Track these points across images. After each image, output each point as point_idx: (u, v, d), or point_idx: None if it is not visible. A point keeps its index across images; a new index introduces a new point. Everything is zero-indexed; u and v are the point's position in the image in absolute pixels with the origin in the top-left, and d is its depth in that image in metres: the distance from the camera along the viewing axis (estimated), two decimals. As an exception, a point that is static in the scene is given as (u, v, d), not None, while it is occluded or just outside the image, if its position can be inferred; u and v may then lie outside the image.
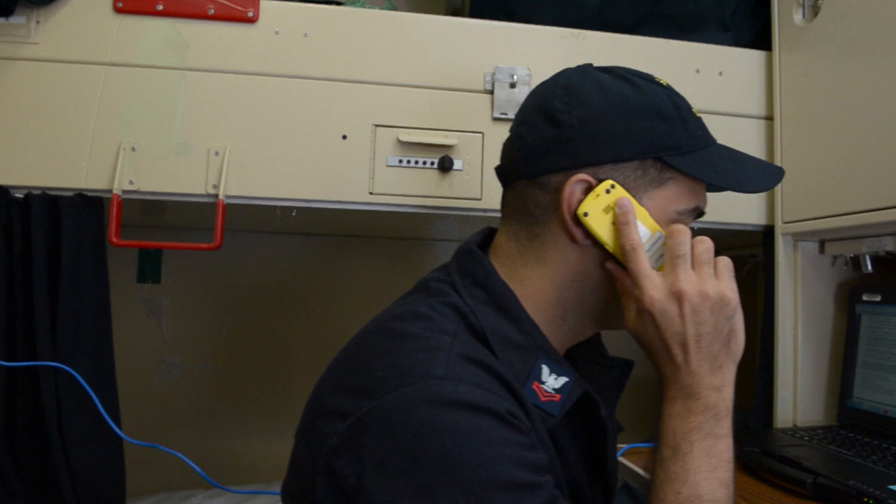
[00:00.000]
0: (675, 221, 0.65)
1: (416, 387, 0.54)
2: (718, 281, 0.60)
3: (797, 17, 1.09)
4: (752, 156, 0.70)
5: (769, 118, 1.14)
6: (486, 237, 0.73)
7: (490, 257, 0.69)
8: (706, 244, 0.61)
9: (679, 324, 0.59)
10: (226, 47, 1.01)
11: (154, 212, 1.25)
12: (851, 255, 1.06)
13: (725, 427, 0.58)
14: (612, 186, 0.62)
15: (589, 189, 0.63)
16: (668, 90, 0.67)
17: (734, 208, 1.14)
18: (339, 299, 1.56)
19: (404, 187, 1.04)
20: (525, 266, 0.67)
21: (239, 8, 1.01)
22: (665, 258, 0.62)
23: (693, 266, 0.60)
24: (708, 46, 1.14)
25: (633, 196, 0.63)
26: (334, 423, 0.57)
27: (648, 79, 0.67)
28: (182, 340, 1.52)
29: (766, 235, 1.15)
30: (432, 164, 1.04)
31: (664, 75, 1.11)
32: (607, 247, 0.63)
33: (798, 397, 1.09)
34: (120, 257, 1.50)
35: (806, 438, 0.98)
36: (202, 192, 0.99)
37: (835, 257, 1.10)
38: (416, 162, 1.04)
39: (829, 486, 0.79)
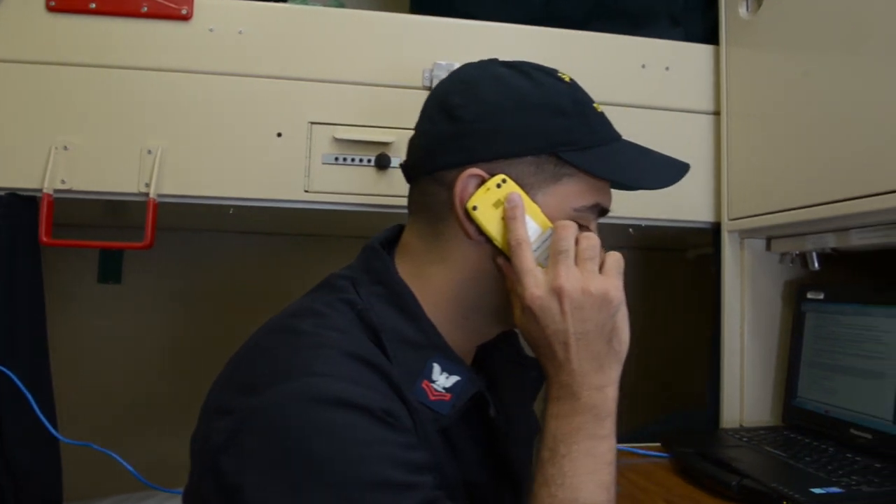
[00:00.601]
0: (573, 218, 0.63)
1: (294, 383, 0.54)
2: (603, 278, 0.58)
3: (742, 10, 1.07)
4: (658, 152, 0.68)
5: (717, 113, 1.12)
6: (395, 234, 0.72)
7: (397, 255, 0.69)
8: (591, 240, 0.59)
9: (560, 321, 0.57)
10: (159, 45, 1.00)
11: (117, 212, 1.25)
12: (797, 252, 1.04)
13: (607, 428, 0.57)
14: (504, 181, 0.61)
15: (482, 184, 0.62)
16: (571, 85, 0.66)
17: (682, 205, 1.12)
18: (301, 299, 1.55)
19: (341, 185, 1.03)
20: (429, 264, 0.66)
21: (173, 6, 1.00)
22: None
23: (577, 262, 0.59)
24: (654, 41, 1.12)
25: (528, 192, 0.62)
26: (220, 420, 0.56)
27: (550, 74, 0.66)
28: (144, 341, 1.51)
29: (714, 233, 1.13)
30: (369, 161, 1.03)
31: (609, 71, 1.11)
32: (496, 242, 0.61)
33: (745, 397, 1.07)
34: (82, 258, 1.50)
35: (745, 439, 0.96)
36: (134, 190, 0.99)
37: (782, 254, 1.08)
38: (353, 159, 1.03)
39: (753, 488, 0.78)
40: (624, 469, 0.93)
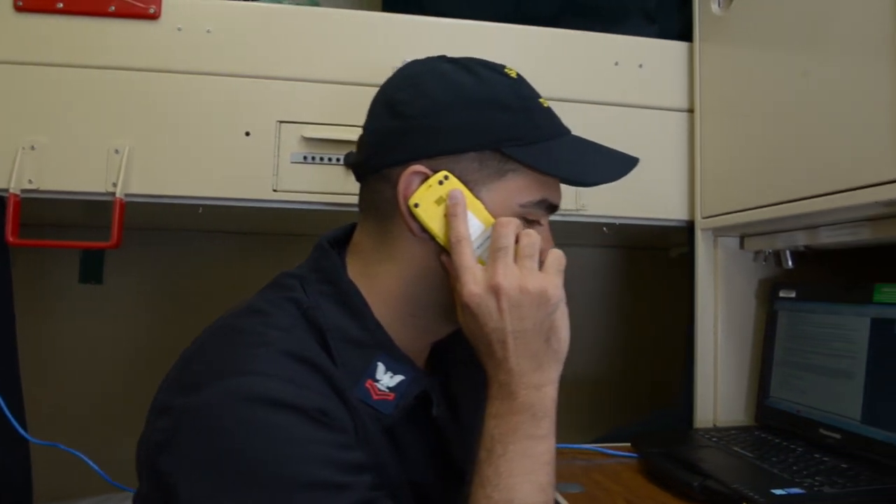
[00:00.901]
0: (519, 215, 0.63)
1: (228, 382, 0.54)
2: (542, 275, 0.58)
3: (714, 6, 1.06)
4: (607, 147, 0.67)
5: (690, 111, 1.11)
6: (347, 233, 0.71)
7: (348, 254, 0.68)
8: (532, 238, 0.59)
9: (498, 319, 0.57)
10: (127, 44, 1.00)
11: (97, 212, 1.24)
12: (771, 250, 1.03)
13: (545, 428, 0.56)
14: (446, 177, 0.61)
15: (426, 181, 0.61)
16: (516, 81, 0.65)
17: (656, 204, 1.11)
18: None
19: (309, 184, 1.02)
20: (378, 262, 0.65)
21: (140, 5, 1.00)
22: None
23: (516, 259, 0.58)
24: (627, 38, 1.11)
25: (472, 188, 0.61)
26: (160, 419, 0.56)
27: (495, 69, 0.65)
28: (125, 341, 1.51)
29: (689, 231, 1.12)
30: (338, 160, 1.02)
31: (582, 68, 1.10)
32: (438, 239, 0.61)
33: (718, 396, 1.06)
34: (64, 259, 1.50)
35: (714, 439, 0.95)
36: (102, 190, 0.98)
37: (756, 253, 1.07)
38: (322, 158, 1.02)
39: (714, 489, 0.77)
40: (590, 469, 0.92)
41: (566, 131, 0.67)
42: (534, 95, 0.65)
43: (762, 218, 0.93)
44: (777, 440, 0.93)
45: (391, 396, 0.61)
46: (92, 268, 1.51)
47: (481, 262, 0.60)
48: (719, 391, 1.06)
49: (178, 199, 1.01)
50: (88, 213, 1.23)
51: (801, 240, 0.94)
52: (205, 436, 0.52)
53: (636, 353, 1.62)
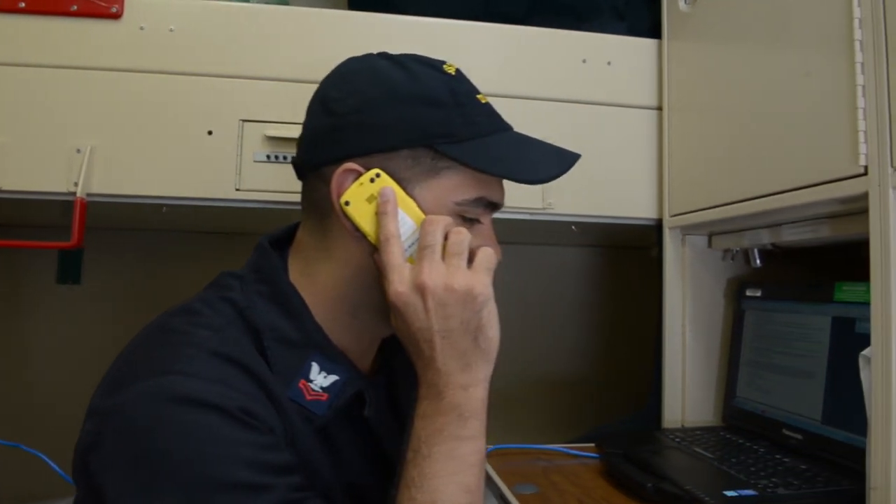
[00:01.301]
0: (456, 213, 0.62)
1: (151, 382, 0.53)
2: (470, 273, 0.57)
3: (681, 2, 1.05)
4: (548, 143, 0.66)
5: (659, 108, 1.10)
6: (290, 232, 0.71)
7: (290, 253, 0.68)
8: (460, 235, 0.58)
9: (424, 318, 0.56)
10: (90, 44, 1.00)
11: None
12: (738, 248, 1.02)
13: (472, 429, 0.55)
14: (378, 175, 0.60)
15: (358, 178, 0.61)
16: (453, 77, 0.64)
17: (625, 202, 1.10)
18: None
19: (272, 183, 1.02)
20: (317, 261, 0.65)
21: (103, 4, 1.00)
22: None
23: (444, 257, 0.57)
24: (595, 35, 1.10)
25: (405, 186, 0.61)
26: (89, 419, 0.56)
27: (432, 65, 0.64)
28: (103, 342, 1.50)
29: (658, 230, 1.11)
30: (301, 159, 1.02)
31: (549, 66, 1.09)
32: (369, 237, 0.60)
33: (686, 396, 1.05)
34: (42, 259, 1.50)
35: (678, 440, 0.94)
36: (63, 190, 0.98)
37: (724, 251, 1.06)
38: (285, 157, 1.02)
39: (667, 490, 0.76)
40: (550, 470, 0.91)
41: (506, 127, 0.65)
42: (471, 91, 0.64)
43: (727, 216, 0.92)
44: (741, 441, 0.92)
45: (324, 397, 0.60)
46: (70, 268, 1.51)
47: (411, 260, 0.59)
48: (688, 391, 1.05)
49: (141, 198, 1.00)
50: (64, 214, 1.23)
51: (766, 238, 0.93)
52: (126, 436, 0.52)
53: (619, 352, 1.61)
